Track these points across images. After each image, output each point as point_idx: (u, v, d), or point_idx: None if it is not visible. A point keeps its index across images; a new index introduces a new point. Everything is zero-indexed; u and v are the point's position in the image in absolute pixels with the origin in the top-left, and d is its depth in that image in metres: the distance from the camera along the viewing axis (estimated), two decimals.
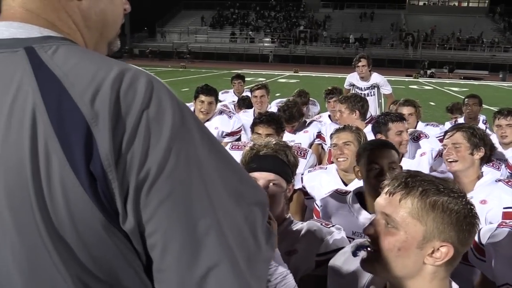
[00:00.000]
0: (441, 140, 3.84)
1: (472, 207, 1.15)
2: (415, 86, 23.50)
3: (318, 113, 5.88)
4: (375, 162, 2.16)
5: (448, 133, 2.58)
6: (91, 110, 0.64)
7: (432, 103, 14.98)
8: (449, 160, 2.48)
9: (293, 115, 3.98)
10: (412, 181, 1.17)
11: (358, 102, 3.84)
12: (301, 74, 29.97)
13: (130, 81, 0.67)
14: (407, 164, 2.97)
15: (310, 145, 4.22)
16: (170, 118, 0.67)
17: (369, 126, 3.71)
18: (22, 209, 0.65)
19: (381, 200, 1.21)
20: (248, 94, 5.81)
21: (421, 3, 57.85)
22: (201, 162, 0.68)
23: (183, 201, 0.66)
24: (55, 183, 0.64)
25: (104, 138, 0.64)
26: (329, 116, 4.96)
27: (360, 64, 6.11)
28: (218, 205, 0.68)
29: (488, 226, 1.87)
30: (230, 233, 0.68)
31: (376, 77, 6.29)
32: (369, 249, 1.23)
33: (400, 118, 3.30)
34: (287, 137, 3.86)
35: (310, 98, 5.98)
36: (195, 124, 0.71)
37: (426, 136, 3.70)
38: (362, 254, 1.27)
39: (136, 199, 0.65)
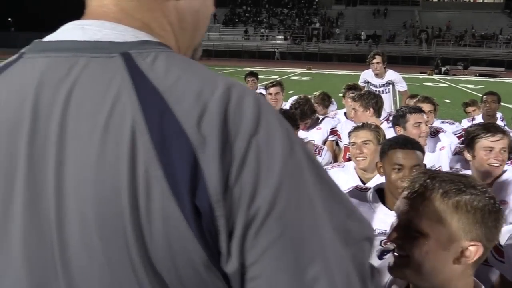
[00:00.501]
0: (459, 137, 3.81)
1: (495, 200, 1.13)
2: (429, 83, 23.25)
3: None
4: (399, 163, 2.10)
5: (494, 136, 2.47)
6: (198, 134, 0.56)
7: (447, 100, 14.81)
8: (495, 164, 2.43)
9: (305, 112, 3.96)
10: (432, 183, 1.13)
11: (371, 99, 3.79)
12: (314, 72, 29.81)
13: (238, 101, 0.59)
14: (427, 158, 2.93)
15: (324, 142, 4.20)
16: (280, 148, 0.59)
17: (385, 123, 3.68)
18: (115, 241, 0.58)
19: (402, 205, 1.18)
20: (262, 91, 5.79)
21: None
22: (311, 198, 0.60)
23: (293, 245, 0.57)
24: (155, 216, 0.56)
25: (212, 168, 0.55)
26: (345, 113, 4.91)
27: (374, 61, 6.04)
28: (328, 247, 0.59)
29: (507, 227, 1.83)
30: (339, 279, 0.59)
31: (391, 74, 6.22)
32: (395, 254, 1.20)
33: (419, 110, 3.28)
34: (300, 134, 3.84)
35: None
36: (303, 152, 0.62)
37: (443, 131, 3.66)
38: (389, 258, 1.24)
39: (243, 240, 0.57)
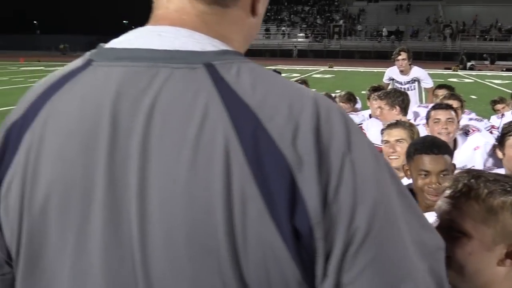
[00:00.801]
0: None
1: None
2: (454, 79, 22.80)
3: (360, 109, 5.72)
4: (426, 169, 1.99)
5: None
6: (294, 153, 0.55)
7: (473, 97, 14.48)
8: None
9: None
10: (476, 183, 1.09)
11: (398, 97, 3.74)
12: (336, 69, 29.59)
13: (327, 116, 0.58)
14: (459, 159, 2.85)
15: None
16: (372, 167, 0.58)
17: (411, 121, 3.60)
18: (206, 261, 0.56)
19: (443, 205, 1.14)
20: None
21: None
22: (398, 215, 0.59)
23: (387, 264, 0.56)
24: (251, 236, 0.54)
25: (311, 187, 0.54)
26: (369, 115, 4.79)
27: (400, 57, 5.92)
28: (414, 264, 0.58)
29: None
30: None
31: (416, 71, 6.10)
32: None
33: (440, 106, 3.22)
34: None
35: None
36: (386, 166, 0.62)
37: (478, 130, 3.55)
38: None
39: (341, 260, 0.55)
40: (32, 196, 0.62)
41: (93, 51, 0.67)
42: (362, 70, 28.51)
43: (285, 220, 0.54)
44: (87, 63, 0.66)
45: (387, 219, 0.57)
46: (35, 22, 77.08)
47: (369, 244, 0.55)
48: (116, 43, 0.66)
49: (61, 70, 0.68)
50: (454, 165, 2.17)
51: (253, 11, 0.71)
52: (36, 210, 0.62)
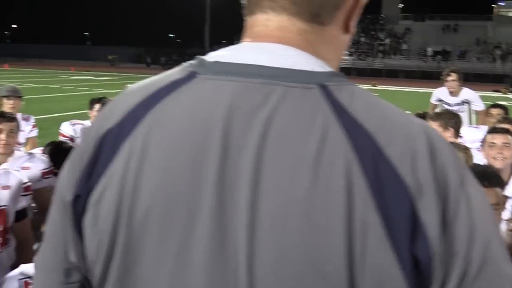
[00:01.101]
0: None
1: None
2: (504, 102, 22.01)
3: None
4: None
5: None
6: (414, 179, 0.54)
7: None
8: None
9: None
10: None
11: (451, 119, 3.60)
12: (379, 88, 29.15)
13: (439, 146, 0.58)
14: None
15: None
16: (481, 200, 0.59)
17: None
18: (318, 287, 0.54)
19: (508, 238, 1.05)
20: None
21: (510, 14, 54.57)
22: (500, 249, 0.59)
23: None
24: (369, 264, 0.53)
25: (431, 216, 0.54)
26: None
27: (449, 78, 5.73)
28: None
29: None
30: None
31: (466, 93, 5.89)
32: None
33: (496, 130, 3.09)
34: None
35: None
36: (486, 198, 0.62)
37: None
38: None
39: None
40: (133, 207, 0.59)
41: (193, 63, 0.65)
42: (407, 90, 27.97)
43: (405, 248, 0.53)
44: (191, 75, 0.63)
45: (495, 252, 0.57)
46: (86, 33, 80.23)
47: (482, 277, 0.55)
48: (218, 57, 0.64)
49: (159, 80, 0.66)
50: (505, 197, 2.02)
51: (346, 28, 0.69)
52: (137, 222, 0.59)
